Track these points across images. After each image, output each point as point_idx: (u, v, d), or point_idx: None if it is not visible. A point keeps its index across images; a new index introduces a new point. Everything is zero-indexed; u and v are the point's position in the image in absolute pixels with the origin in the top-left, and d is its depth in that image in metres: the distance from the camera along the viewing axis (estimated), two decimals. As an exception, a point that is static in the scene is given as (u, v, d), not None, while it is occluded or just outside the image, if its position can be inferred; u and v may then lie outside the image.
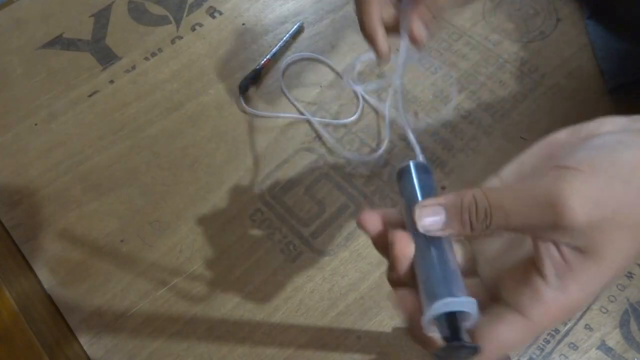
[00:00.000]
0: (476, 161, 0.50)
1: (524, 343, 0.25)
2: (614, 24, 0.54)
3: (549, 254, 0.22)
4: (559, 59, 0.54)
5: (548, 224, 0.22)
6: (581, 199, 0.21)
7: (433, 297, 0.24)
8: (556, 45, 0.55)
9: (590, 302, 0.25)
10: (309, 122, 0.52)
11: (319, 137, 0.51)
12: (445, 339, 0.23)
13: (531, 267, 0.23)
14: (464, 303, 0.23)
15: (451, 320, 0.23)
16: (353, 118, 0.52)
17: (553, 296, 0.23)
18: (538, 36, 0.56)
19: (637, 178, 0.21)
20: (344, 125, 0.52)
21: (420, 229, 0.25)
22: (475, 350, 0.23)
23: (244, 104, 0.53)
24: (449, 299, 0.23)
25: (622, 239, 0.22)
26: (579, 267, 0.22)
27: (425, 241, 0.25)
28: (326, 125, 0.52)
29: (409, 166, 0.28)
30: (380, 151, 0.50)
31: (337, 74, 0.55)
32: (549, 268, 0.23)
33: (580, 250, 0.22)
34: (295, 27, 0.57)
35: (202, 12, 0.60)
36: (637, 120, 0.25)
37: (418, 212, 0.24)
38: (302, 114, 0.53)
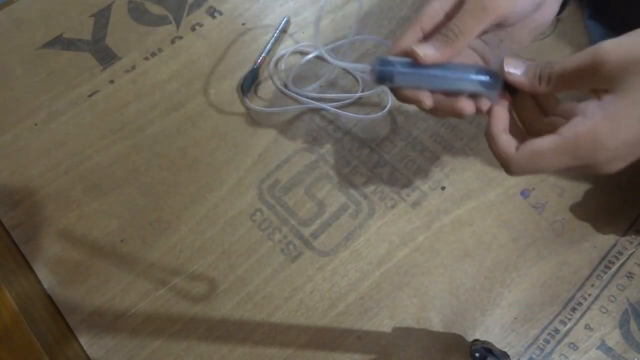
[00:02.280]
0: (476, 161, 0.50)
1: (553, 156, 0.30)
2: (614, 25, 0.54)
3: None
4: (559, 59, 0.54)
5: (590, 73, 0.28)
6: (614, 47, 0.28)
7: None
8: (556, 45, 0.55)
9: (614, 139, 0.28)
10: (317, 110, 0.52)
11: (329, 122, 0.51)
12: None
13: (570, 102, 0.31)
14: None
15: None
16: (357, 94, 0.53)
17: (582, 121, 0.29)
18: (538, 36, 0.56)
19: None
20: (344, 125, 0.52)
21: (506, 73, 0.33)
22: None
23: (248, 103, 0.53)
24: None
25: None
26: (606, 101, 0.28)
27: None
28: (338, 107, 0.52)
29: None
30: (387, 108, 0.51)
31: (341, 69, 0.55)
32: (583, 104, 0.30)
33: (609, 91, 0.28)
34: (283, 21, 0.57)
35: (202, 12, 0.60)
36: None
37: (507, 60, 0.33)
38: (307, 103, 0.52)
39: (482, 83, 0.34)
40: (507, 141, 0.32)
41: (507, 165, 0.32)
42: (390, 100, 0.52)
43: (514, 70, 0.33)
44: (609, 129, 0.28)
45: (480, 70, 0.34)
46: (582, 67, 0.29)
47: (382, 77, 0.34)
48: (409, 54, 0.34)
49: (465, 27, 0.33)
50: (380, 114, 0.51)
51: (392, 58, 0.34)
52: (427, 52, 0.33)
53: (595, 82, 0.29)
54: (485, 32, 0.34)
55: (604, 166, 0.30)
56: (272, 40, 0.56)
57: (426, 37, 0.35)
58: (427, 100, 0.35)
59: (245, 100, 0.53)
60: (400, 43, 0.35)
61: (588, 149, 0.28)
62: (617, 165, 0.30)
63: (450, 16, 0.35)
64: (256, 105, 0.53)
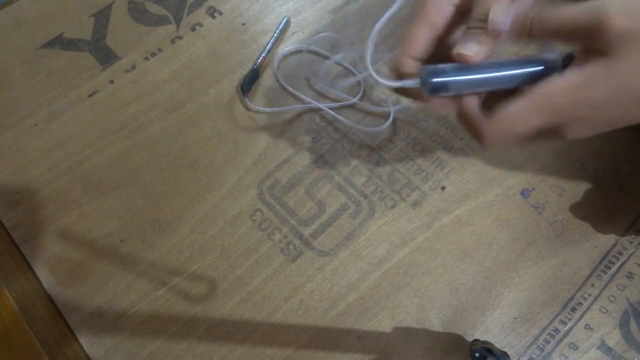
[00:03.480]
0: (476, 161, 0.50)
1: (524, 115, 0.29)
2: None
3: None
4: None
5: (590, 30, 0.26)
6: (623, 9, 0.25)
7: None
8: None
9: (586, 104, 0.27)
10: (317, 110, 0.52)
11: (329, 123, 0.51)
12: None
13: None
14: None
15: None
16: (358, 97, 0.53)
17: (555, 79, 0.28)
18: None
19: None
20: (344, 125, 0.52)
21: (490, 22, 0.30)
22: None
23: (248, 102, 0.53)
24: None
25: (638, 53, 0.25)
26: (589, 61, 0.27)
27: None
28: (335, 109, 0.52)
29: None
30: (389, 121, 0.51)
31: (343, 67, 0.55)
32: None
33: (599, 52, 0.26)
34: (283, 21, 0.57)
35: (202, 12, 0.60)
36: None
37: (494, 8, 0.29)
38: (308, 103, 0.52)
39: (546, 67, 0.31)
40: (478, 113, 0.31)
41: (480, 135, 0.30)
42: (392, 115, 0.52)
43: (504, 18, 0.30)
44: (584, 90, 0.27)
45: (530, 60, 0.32)
46: (581, 25, 0.27)
47: (436, 89, 0.32)
48: (457, 58, 0.31)
49: (495, 11, 0.30)
50: (382, 127, 0.51)
51: (440, 66, 0.32)
52: (474, 50, 0.31)
53: (591, 42, 0.27)
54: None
55: (571, 128, 0.29)
56: (272, 40, 0.56)
57: (442, 35, 0.33)
58: (473, 105, 0.32)
59: (245, 100, 0.53)
60: (411, 43, 0.33)
61: (560, 106, 0.28)
62: (585, 130, 0.29)
63: (458, 5, 0.32)
64: (256, 105, 0.53)
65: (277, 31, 0.57)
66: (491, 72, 0.32)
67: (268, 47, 0.56)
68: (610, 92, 0.26)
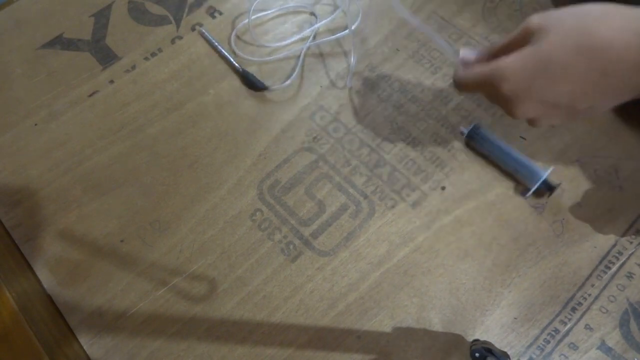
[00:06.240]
0: (476, 161, 0.50)
1: (477, 78, 0.38)
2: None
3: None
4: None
5: (523, 36, 0.37)
6: (539, 17, 0.36)
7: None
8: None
9: (521, 76, 0.35)
10: (319, 108, 0.52)
11: (329, 122, 0.51)
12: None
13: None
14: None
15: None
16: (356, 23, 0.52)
17: (503, 58, 0.36)
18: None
19: (584, 11, 0.34)
20: (344, 125, 0.52)
21: (462, 58, 0.41)
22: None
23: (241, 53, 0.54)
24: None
25: (553, 37, 0.34)
26: (524, 47, 0.35)
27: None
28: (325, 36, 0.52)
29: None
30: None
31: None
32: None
33: (527, 43, 0.36)
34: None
35: (202, 12, 0.60)
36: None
37: (462, 50, 0.41)
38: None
39: (534, 180, 0.46)
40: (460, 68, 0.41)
41: (454, 78, 0.41)
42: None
43: (469, 55, 0.41)
44: (514, 65, 0.35)
45: (533, 170, 0.47)
46: (515, 36, 0.37)
47: (471, 138, 0.49)
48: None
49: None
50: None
51: (481, 128, 0.49)
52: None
53: (526, 41, 0.36)
54: None
55: (512, 102, 0.36)
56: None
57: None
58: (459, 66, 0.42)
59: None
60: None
61: (496, 78, 0.36)
62: (524, 105, 0.36)
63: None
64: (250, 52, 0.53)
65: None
66: (505, 149, 0.48)
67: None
68: (538, 65, 0.34)
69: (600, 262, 0.45)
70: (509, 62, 0.35)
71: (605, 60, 0.32)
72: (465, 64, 0.41)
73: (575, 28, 0.33)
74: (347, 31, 0.56)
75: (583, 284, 0.44)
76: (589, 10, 0.34)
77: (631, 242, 0.46)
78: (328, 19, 0.58)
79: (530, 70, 0.34)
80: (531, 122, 0.39)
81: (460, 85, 0.40)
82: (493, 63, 0.36)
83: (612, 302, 0.44)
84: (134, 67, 0.57)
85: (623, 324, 0.43)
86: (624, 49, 0.32)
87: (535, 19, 0.36)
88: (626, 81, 0.33)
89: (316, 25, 0.57)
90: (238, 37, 0.58)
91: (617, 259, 0.45)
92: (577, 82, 0.34)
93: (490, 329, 0.43)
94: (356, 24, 0.57)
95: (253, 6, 0.58)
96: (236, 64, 0.56)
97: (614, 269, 0.45)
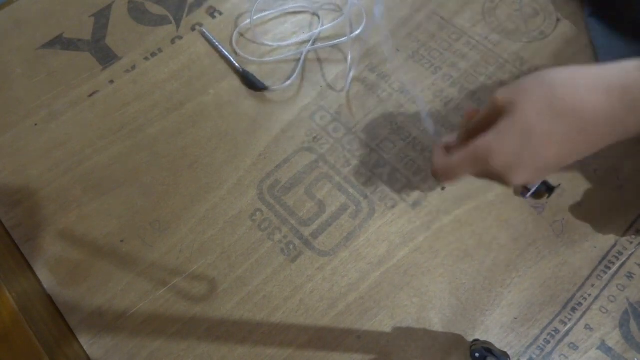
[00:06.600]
0: (476, 161, 0.50)
1: (461, 163, 0.38)
2: (615, 23, 0.54)
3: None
4: (559, 59, 0.54)
5: (492, 114, 0.37)
6: (504, 91, 0.36)
7: None
8: (556, 45, 0.55)
9: (501, 147, 0.35)
10: (318, 109, 0.52)
11: (329, 122, 0.51)
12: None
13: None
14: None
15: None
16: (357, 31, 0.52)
17: (483, 136, 0.36)
18: (538, 36, 0.56)
19: (549, 77, 0.35)
20: (344, 125, 0.52)
21: (444, 142, 0.42)
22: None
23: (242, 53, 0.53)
24: None
25: (527, 107, 0.34)
26: (499, 122, 0.36)
27: None
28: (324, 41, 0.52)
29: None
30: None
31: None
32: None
33: (503, 117, 0.36)
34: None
35: (202, 12, 0.60)
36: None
37: (444, 138, 0.43)
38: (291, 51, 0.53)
39: None
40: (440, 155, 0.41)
41: (433, 171, 0.41)
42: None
43: (449, 140, 0.42)
44: (498, 140, 0.35)
45: None
46: (487, 114, 0.38)
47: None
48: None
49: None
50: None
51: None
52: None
53: (499, 115, 0.36)
54: None
55: (505, 174, 0.36)
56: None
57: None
58: (438, 149, 0.42)
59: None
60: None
61: (483, 155, 0.36)
62: (517, 174, 0.36)
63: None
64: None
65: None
66: None
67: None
68: (517, 136, 0.34)
69: (600, 262, 0.45)
70: (492, 138, 0.36)
71: (582, 120, 0.33)
72: (447, 148, 0.41)
73: (544, 97, 0.34)
74: (345, 38, 0.56)
75: (583, 284, 0.44)
76: (553, 78, 0.35)
77: (631, 242, 0.45)
78: (330, 25, 0.58)
79: (516, 142, 0.35)
80: (525, 183, 0.39)
81: (446, 170, 0.39)
82: (477, 141, 0.36)
83: (612, 302, 0.44)
84: (134, 67, 0.57)
85: (623, 324, 0.43)
86: (598, 108, 0.33)
87: (502, 94, 0.36)
88: (608, 132, 0.34)
89: (317, 31, 0.57)
90: (241, 34, 0.58)
91: (617, 259, 0.45)
92: (562, 143, 0.34)
93: (490, 329, 0.43)
94: (358, 32, 0.57)
95: (255, 6, 0.58)
96: (236, 64, 0.56)
97: (614, 269, 0.45)
